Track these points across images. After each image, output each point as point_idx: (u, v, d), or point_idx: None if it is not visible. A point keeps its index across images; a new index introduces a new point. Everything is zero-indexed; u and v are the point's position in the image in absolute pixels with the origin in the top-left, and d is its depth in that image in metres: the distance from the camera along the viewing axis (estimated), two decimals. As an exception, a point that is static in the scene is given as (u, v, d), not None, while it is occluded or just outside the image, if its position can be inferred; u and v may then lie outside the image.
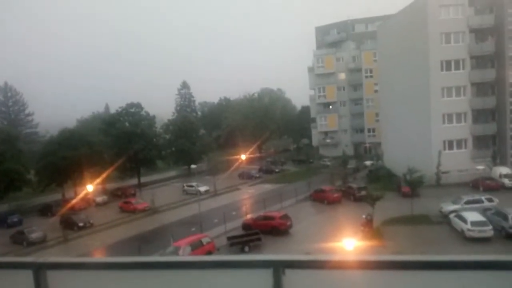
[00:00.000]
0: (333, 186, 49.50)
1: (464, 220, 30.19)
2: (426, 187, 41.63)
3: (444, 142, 48.09)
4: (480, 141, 49.20)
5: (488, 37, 49.35)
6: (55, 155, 53.43)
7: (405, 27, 52.50)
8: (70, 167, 53.49)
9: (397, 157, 52.92)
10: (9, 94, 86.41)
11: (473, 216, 30.37)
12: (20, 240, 39.28)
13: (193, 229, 37.06)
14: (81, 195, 50.71)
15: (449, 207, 35.38)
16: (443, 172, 46.88)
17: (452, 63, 48.05)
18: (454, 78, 47.79)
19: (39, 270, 2.29)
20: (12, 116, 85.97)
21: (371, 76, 77.17)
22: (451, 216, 32.84)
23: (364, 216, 33.02)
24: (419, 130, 49.26)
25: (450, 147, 48.47)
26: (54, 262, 2.34)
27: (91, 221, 43.96)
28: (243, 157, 65.76)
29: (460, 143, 48.73)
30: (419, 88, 49.08)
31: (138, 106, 69.95)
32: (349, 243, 25.04)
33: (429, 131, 47.92)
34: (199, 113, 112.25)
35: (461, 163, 47.27)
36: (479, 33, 49.15)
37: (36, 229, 40.96)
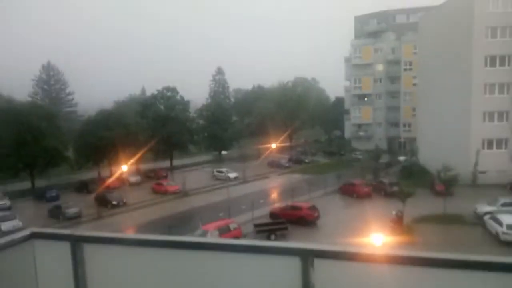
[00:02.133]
0: (364, 180, 48.79)
1: (499, 222, 29.17)
2: (461, 186, 40.30)
3: (483, 140, 46.29)
4: (522, 142, 47.04)
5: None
6: (92, 135, 54.98)
7: (449, 20, 50.48)
8: (106, 147, 55.02)
9: (432, 153, 51.47)
10: (51, 73, 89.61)
11: (509, 219, 29.24)
12: (57, 214, 40.96)
13: (221, 214, 37.61)
14: (116, 174, 52.26)
15: (484, 208, 34.12)
16: (480, 172, 45.19)
17: (497, 59, 45.92)
18: (498, 75, 45.71)
19: (76, 242, 2.49)
20: (53, 94, 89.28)
21: (410, 69, 74.87)
22: (486, 218, 31.74)
23: (394, 212, 32.44)
24: (457, 127, 47.60)
25: (490, 146, 46.66)
26: (90, 235, 2.53)
27: (125, 200, 45.34)
28: (274, 145, 65.69)
29: (500, 143, 46.82)
30: (460, 84, 47.28)
31: (174, 90, 70.96)
32: (377, 239, 24.77)
33: (468, 129, 46.22)
34: (232, 99, 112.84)
35: (500, 163, 45.38)
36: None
37: (72, 204, 42.63)
